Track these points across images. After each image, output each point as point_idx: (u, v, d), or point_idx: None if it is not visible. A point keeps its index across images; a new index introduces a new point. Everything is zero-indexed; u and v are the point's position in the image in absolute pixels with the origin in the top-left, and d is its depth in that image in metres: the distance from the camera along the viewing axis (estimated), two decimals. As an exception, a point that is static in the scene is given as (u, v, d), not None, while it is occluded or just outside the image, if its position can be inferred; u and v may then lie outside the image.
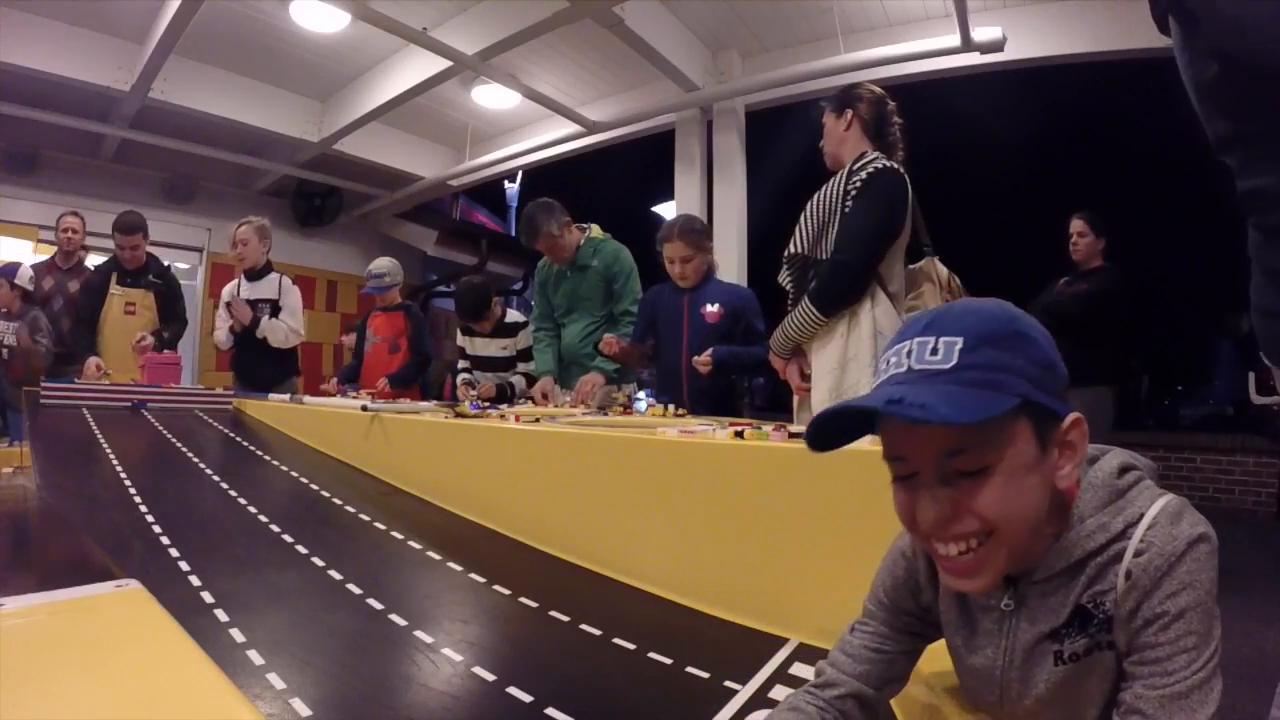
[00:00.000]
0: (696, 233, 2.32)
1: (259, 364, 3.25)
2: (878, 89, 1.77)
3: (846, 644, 0.64)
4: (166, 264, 3.62)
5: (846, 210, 1.63)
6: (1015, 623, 0.57)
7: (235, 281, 3.30)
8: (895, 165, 1.64)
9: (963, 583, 0.55)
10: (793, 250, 1.70)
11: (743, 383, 2.46)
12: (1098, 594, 0.53)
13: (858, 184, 1.63)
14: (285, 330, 3.20)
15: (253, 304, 3.19)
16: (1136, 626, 0.50)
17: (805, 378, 1.71)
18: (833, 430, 0.55)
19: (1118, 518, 0.53)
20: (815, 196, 1.71)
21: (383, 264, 3.44)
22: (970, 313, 0.53)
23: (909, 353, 0.53)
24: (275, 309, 3.21)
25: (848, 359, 1.61)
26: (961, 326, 0.52)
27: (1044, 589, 0.55)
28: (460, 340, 3.36)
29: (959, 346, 0.51)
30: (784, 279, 1.78)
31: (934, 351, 0.52)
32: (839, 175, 1.68)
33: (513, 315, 3.34)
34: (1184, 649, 0.48)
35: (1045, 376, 0.52)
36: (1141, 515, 0.52)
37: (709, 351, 2.17)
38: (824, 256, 1.65)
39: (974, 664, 0.60)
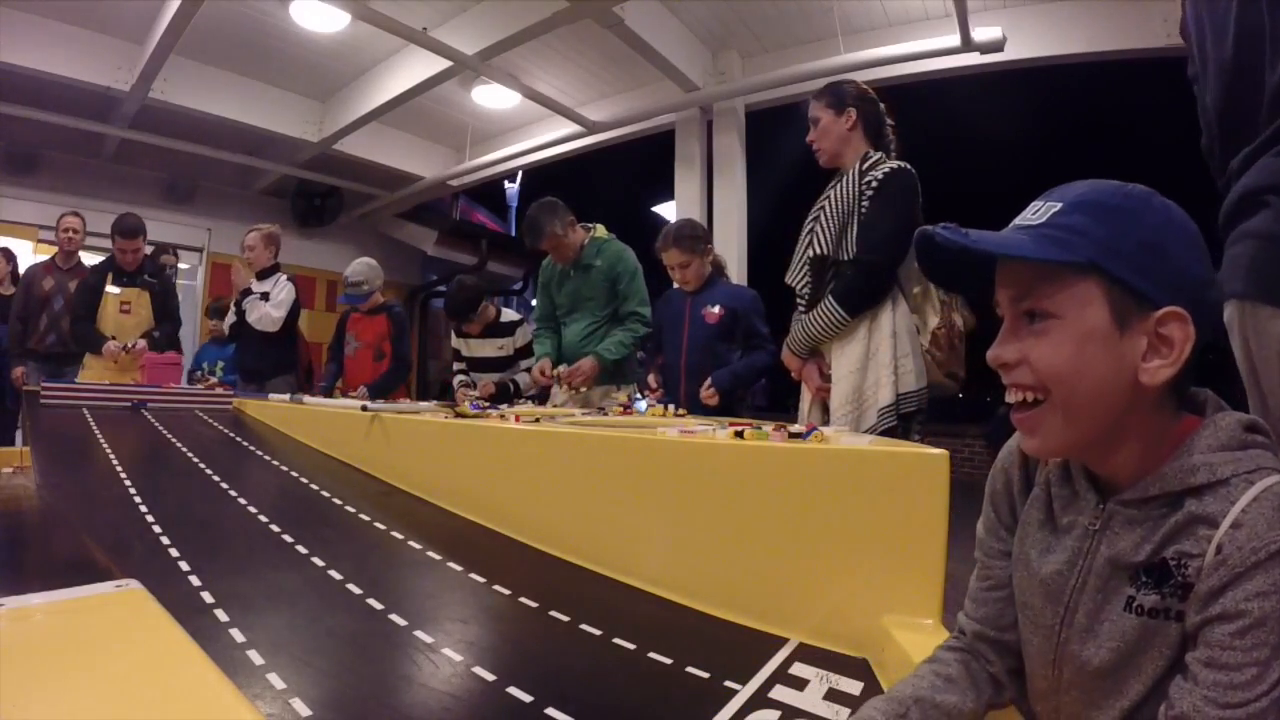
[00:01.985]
0: (690, 238, 2.33)
1: (254, 356, 3.39)
2: (867, 87, 1.77)
3: (970, 590, 0.66)
4: (166, 265, 3.67)
5: (863, 210, 1.63)
6: (1095, 544, 0.56)
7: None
8: (906, 165, 1.65)
9: (1024, 439, 0.58)
10: (816, 252, 1.70)
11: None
12: (1183, 554, 0.50)
13: (873, 184, 1.63)
14: (262, 311, 3.30)
15: (248, 292, 3.36)
16: (1212, 615, 0.47)
17: (825, 378, 1.71)
18: (941, 257, 0.59)
19: (1227, 465, 0.50)
20: (829, 197, 1.71)
21: (360, 270, 3.28)
22: (1088, 185, 0.55)
23: (1022, 212, 0.57)
24: (265, 299, 3.36)
25: (868, 358, 1.61)
26: (1069, 194, 0.55)
27: (1131, 515, 0.54)
28: (455, 343, 3.34)
29: (1054, 210, 0.54)
30: (798, 280, 1.77)
31: (1035, 212, 0.55)
32: (849, 176, 1.68)
33: (508, 314, 3.32)
34: (1255, 661, 0.45)
35: (1142, 256, 0.52)
36: (1252, 480, 0.49)
37: (710, 385, 2.18)
38: (845, 258, 1.65)
39: (1046, 573, 0.58)
